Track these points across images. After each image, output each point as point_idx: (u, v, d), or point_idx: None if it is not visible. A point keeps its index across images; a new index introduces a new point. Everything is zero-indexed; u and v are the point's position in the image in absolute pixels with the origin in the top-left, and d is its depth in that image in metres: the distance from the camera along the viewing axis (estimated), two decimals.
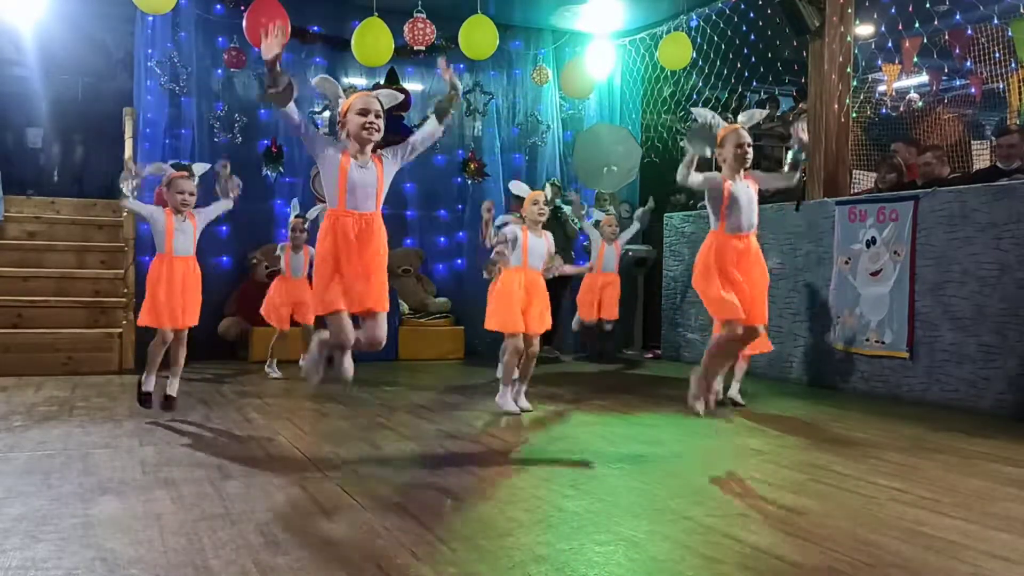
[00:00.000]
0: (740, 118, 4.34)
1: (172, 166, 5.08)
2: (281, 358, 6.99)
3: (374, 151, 3.65)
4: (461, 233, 9.45)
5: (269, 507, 3.15)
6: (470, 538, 2.84)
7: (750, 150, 4.28)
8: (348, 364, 3.63)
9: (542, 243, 5.39)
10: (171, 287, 4.90)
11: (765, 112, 4.70)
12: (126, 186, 4.89)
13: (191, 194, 4.98)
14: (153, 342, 4.97)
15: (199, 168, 5.12)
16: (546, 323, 5.38)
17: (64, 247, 7.91)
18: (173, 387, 5.07)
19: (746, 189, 4.32)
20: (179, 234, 4.96)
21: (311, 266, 6.25)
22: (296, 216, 6.90)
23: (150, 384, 5.00)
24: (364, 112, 3.50)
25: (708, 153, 4.31)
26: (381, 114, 3.53)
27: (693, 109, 4.54)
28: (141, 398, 5.01)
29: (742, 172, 4.33)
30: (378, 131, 3.51)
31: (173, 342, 5.00)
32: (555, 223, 8.51)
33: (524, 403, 5.43)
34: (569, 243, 8.59)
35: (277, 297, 6.85)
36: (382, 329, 3.66)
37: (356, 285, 3.60)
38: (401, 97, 3.67)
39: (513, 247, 5.33)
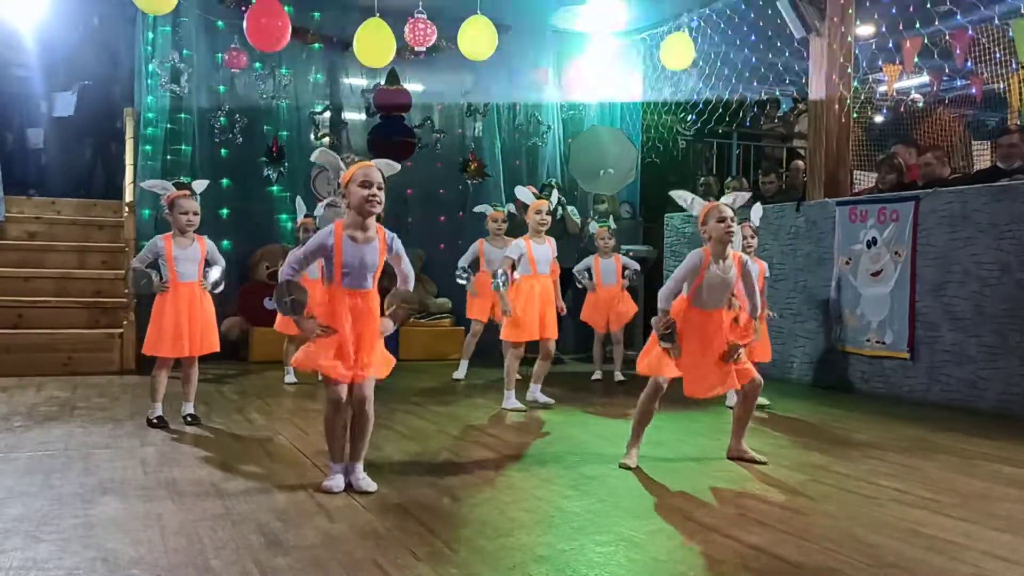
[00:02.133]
0: (724, 199, 4.12)
1: (173, 184, 4.84)
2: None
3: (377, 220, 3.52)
4: (461, 234, 9.45)
5: (270, 507, 3.15)
6: (471, 538, 2.85)
7: (734, 225, 4.00)
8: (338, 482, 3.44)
9: (546, 249, 5.62)
10: (177, 314, 4.71)
11: (748, 195, 4.51)
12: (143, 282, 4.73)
13: (195, 213, 4.74)
14: (153, 372, 4.79)
15: (199, 185, 4.90)
16: (555, 330, 5.64)
17: (65, 247, 7.90)
18: (189, 407, 4.92)
19: (724, 275, 3.99)
20: (182, 260, 4.75)
21: (323, 269, 6.28)
22: (305, 216, 6.82)
23: (158, 411, 4.79)
24: (367, 184, 3.38)
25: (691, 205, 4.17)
26: (383, 186, 3.43)
27: (672, 193, 4.35)
28: (155, 421, 4.77)
29: (728, 251, 4.03)
30: (380, 203, 3.40)
31: (185, 365, 4.85)
32: (556, 223, 8.51)
33: (543, 397, 5.66)
34: (571, 242, 8.57)
35: None
36: (368, 388, 3.48)
37: (350, 355, 3.44)
38: (398, 167, 3.60)
39: (519, 262, 5.54)
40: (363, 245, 3.40)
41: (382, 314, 3.52)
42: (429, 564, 2.57)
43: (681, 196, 4.22)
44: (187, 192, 4.77)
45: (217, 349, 4.96)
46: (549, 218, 5.63)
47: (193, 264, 4.80)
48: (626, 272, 7.12)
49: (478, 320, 7.05)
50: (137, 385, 6.34)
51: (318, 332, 3.39)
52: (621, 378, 7.01)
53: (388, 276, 3.58)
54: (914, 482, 3.74)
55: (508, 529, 2.95)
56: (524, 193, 5.72)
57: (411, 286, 3.61)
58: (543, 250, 5.60)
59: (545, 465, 3.96)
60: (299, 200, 7.13)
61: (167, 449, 4.18)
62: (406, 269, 3.59)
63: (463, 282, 7.01)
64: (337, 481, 3.41)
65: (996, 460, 4.23)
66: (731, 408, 5.48)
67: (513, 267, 5.58)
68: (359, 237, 3.40)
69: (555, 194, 5.96)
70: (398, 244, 3.54)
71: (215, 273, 4.95)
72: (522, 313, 5.51)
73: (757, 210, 5.25)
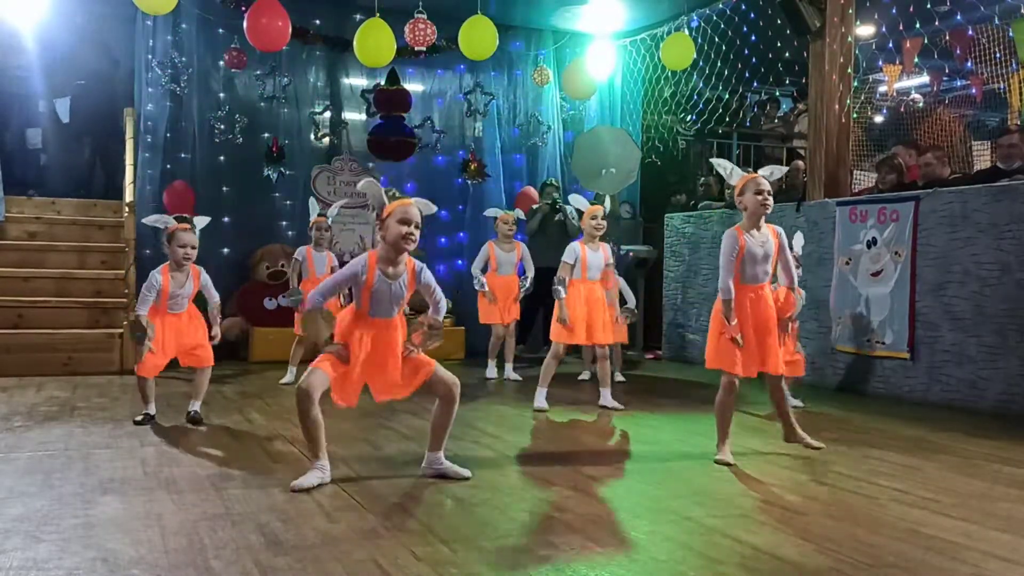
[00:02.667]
0: (762, 172, 4.15)
1: (175, 219, 4.88)
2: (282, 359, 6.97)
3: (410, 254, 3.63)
4: (462, 233, 9.45)
5: (270, 507, 3.15)
6: (471, 539, 2.85)
7: (771, 199, 4.07)
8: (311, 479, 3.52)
9: (600, 256, 5.65)
10: (162, 341, 4.78)
11: (786, 169, 4.53)
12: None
13: (193, 247, 4.78)
14: (138, 379, 4.87)
15: (200, 221, 4.95)
16: (611, 334, 5.72)
17: (65, 247, 7.91)
18: (196, 406, 4.97)
19: (763, 244, 4.09)
20: (175, 295, 4.79)
21: (333, 269, 6.37)
22: (319, 215, 6.81)
23: (147, 410, 4.87)
24: (406, 222, 3.46)
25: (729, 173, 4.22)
26: (420, 225, 3.53)
27: (713, 161, 4.41)
28: (137, 422, 4.83)
29: (762, 222, 4.12)
30: (415, 242, 3.50)
31: (197, 372, 4.95)
32: (555, 224, 8.51)
33: (612, 402, 5.64)
34: (568, 242, 8.57)
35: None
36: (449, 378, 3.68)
37: (370, 379, 3.60)
38: (434, 209, 3.69)
39: (575, 266, 5.59)
40: (393, 281, 3.51)
41: (407, 337, 3.62)
42: (429, 564, 2.57)
43: (721, 164, 4.27)
44: (187, 226, 4.81)
45: (207, 365, 4.97)
46: (605, 223, 5.67)
47: (185, 299, 4.87)
48: (622, 309, 6.99)
49: (498, 324, 7.11)
50: (136, 386, 6.34)
51: (342, 356, 3.49)
52: (621, 378, 7.01)
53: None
54: (914, 482, 3.74)
55: (508, 529, 2.95)
56: (579, 200, 5.75)
57: (442, 314, 3.71)
58: (597, 256, 5.63)
59: (545, 465, 3.96)
60: (312, 200, 7.16)
61: (167, 449, 4.18)
62: (438, 297, 3.69)
63: (480, 288, 7.07)
64: (311, 478, 3.46)
65: (996, 460, 4.24)
66: (797, 407, 5.48)
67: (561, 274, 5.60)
68: (390, 272, 3.51)
69: (608, 201, 5.99)
70: (427, 275, 3.65)
71: (213, 312, 5.05)
72: (570, 317, 5.53)
73: (771, 170, 5.19)
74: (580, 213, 5.73)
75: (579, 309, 5.55)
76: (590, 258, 5.61)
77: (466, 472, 3.65)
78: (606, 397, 5.68)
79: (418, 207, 3.55)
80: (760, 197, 4.04)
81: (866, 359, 6.54)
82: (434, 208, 3.69)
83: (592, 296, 5.63)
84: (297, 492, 3.35)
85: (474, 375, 7.03)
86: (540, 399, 5.57)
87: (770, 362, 4.09)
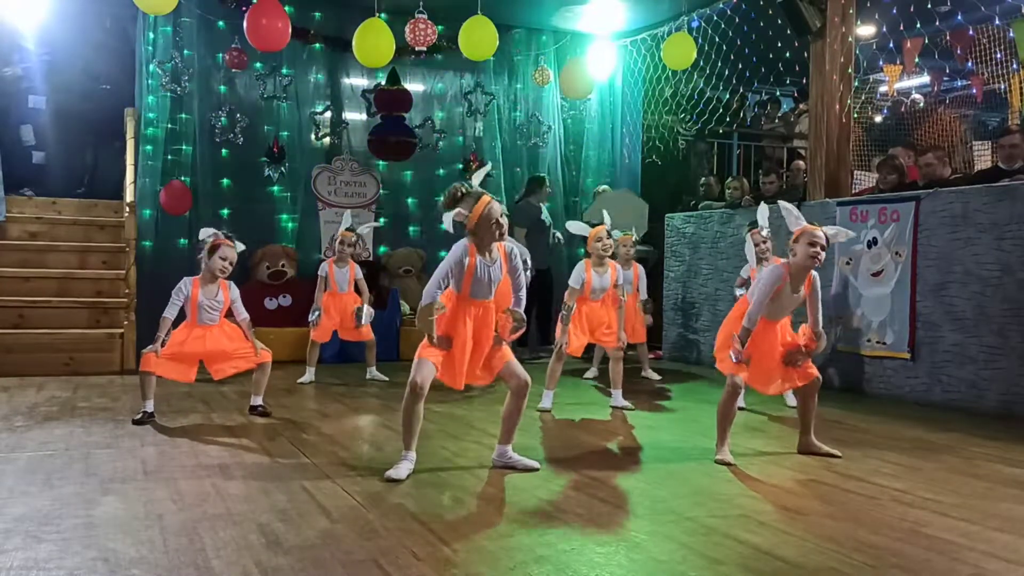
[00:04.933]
0: (828, 231, 4.09)
1: (223, 234, 5.07)
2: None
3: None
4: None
5: (270, 507, 3.16)
6: (471, 538, 2.85)
7: (823, 254, 4.03)
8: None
9: (607, 277, 5.64)
10: (190, 350, 4.90)
11: (852, 234, 4.46)
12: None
13: (232, 264, 4.98)
14: (140, 373, 4.90)
15: (240, 246, 5.15)
16: (618, 338, 5.67)
17: (66, 247, 7.91)
18: (258, 400, 5.16)
19: (796, 293, 4.12)
20: (206, 307, 4.93)
21: (356, 282, 6.65)
22: (347, 229, 6.78)
23: (146, 407, 4.90)
24: (496, 216, 3.74)
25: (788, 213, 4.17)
26: (507, 214, 3.81)
27: (781, 203, 4.34)
28: (136, 421, 4.84)
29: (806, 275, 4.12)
30: (505, 228, 3.76)
31: (256, 371, 5.10)
32: (540, 230, 8.48)
33: (622, 402, 5.65)
34: (543, 241, 8.53)
35: (325, 313, 6.68)
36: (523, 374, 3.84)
37: (464, 364, 3.79)
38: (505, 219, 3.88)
39: (581, 287, 5.58)
40: (490, 265, 3.78)
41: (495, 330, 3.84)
42: (429, 564, 2.57)
43: (787, 208, 4.21)
44: (231, 243, 5.01)
45: (265, 360, 5.12)
46: (612, 242, 5.65)
47: (216, 312, 5.01)
48: (646, 305, 7.00)
49: None
50: (138, 385, 6.33)
51: (444, 344, 3.72)
52: (655, 376, 7.14)
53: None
54: (915, 482, 3.74)
55: (509, 529, 2.95)
56: (578, 227, 5.72)
57: (523, 305, 3.93)
58: (603, 279, 5.61)
59: (546, 465, 3.96)
60: (347, 214, 7.20)
61: (168, 449, 4.18)
62: (520, 283, 3.93)
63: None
64: (402, 469, 3.63)
65: (997, 461, 4.23)
66: (792, 407, 5.50)
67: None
68: (488, 259, 3.78)
69: (607, 218, 6.00)
70: (517, 260, 3.91)
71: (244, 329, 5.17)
72: (571, 340, 5.55)
73: (763, 211, 5.20)
74: (580, 237, 5.74)
75: (577, 327, 5.58)
76: (595, 281, 5.59)
77: (535, 464, 3.87)
78: (617, 398, 5.67)
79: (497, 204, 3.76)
80: (812, 250, 4.03)
81: (867, 359, 6.54)
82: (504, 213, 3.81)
83: (592, 312, 5.65)
84: (390, 482, 3.53)
85: None
86: (547, 400, 5.57)
87: (789, 382, 4.24)
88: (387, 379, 6.79)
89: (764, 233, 5.50)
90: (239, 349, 5.05)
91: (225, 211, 8.43)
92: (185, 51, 8.32)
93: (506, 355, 3.84)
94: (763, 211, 5.17)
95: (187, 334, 4.94)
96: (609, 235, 5.66)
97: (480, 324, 3.80)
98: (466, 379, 3.83)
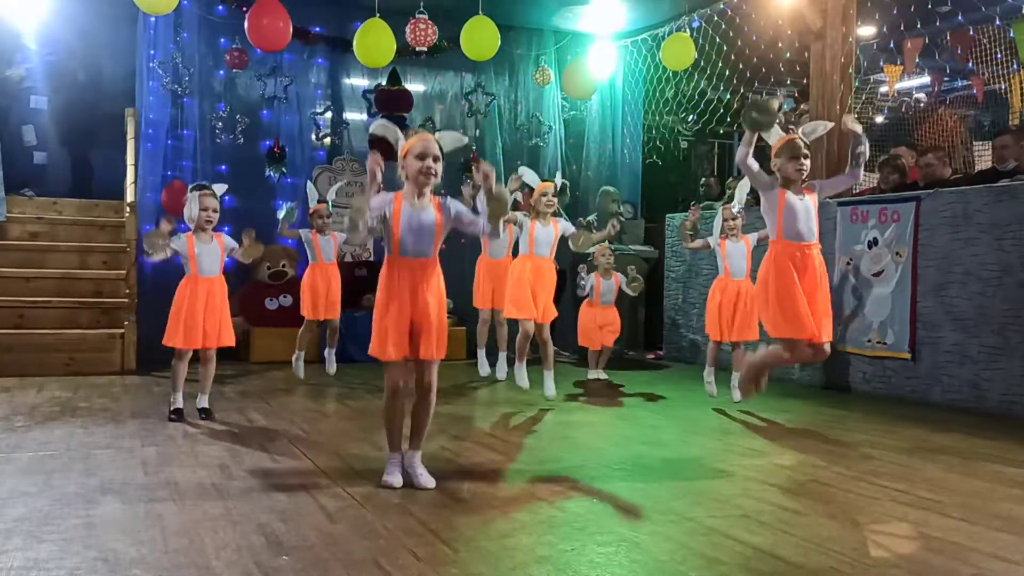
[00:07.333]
0: (803, 129, 4.13)
1: (193, 188, 5.04)
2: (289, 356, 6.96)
3: (434, 194, 3.52)
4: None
5: (271, 508, 3.15)
6: (471, 538, 2.85)
7: (807, 163, 4.05)
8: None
9: (550, 231, 5.59)
10: (193, 307, 4.89)
11: (831, 125, 4.42)
12: (159, 254, 4.83)
13: (214, 211, 4.96)
14: (173, 362, 4.95)
15: (219, 188, 5.11)
16: (551, 314, 5.63)
17: (66, 248, 7.91)
18: (204, 400, 5.06)
19: (802, 200, 4.13)
20: (203, 256, 4.95)
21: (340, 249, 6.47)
22: (319, 202, 6.74)
23: (179, 401, 4.95)
24: (422, 156, 3.40)
25: (768, 133, 4.07)
26: (439, 158, 3.44)
27: (809, 124, 4.33)
28: (172, 415, 4.92)
29: (800, 185, 4.15)
30: (435, 176, 3.42)
31: (203, 357, 4.99)
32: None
33: (551, 391, 5.66)
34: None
35: (310, 287, 6.61)
36: (434, 373, 3.57)
37: (411, 331, 3.46)
38: (465, 140, 3.59)
39: (520, 230, 5.57)
40: (420, 212, 3.42)
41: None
42: (429, 564, 2.57)
43: (775, 133, 4.18)
44: (207, 191, 4.98)
45: (232, 344, 5.11)
46: (555, 200, 5.62)
47: (214, 260, 5.02)
48: (630, 281, 6.93)
49: (482, 308, 6.81)
50: (138, 386, 6.36)
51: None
52: (604, 376, 7.00)
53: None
54: (915, 482, 3.73)
55: (509, 529, 2.95)
56: (530, 174, 5.72)
57: (494, 224, 3.48)
58: (546, 232, 5.58)
59: (546, 465, 3.96)
60: (310, 186, 7.08)
61: (168, 449, 4.18)
62: (478, 211, 3.51)
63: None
64: (395, 477, 3.50)
65: (997, 461, 4.23)
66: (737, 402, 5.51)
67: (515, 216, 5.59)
68: (416, 204, 3.43)
69: (558, 178, 5.93)
70: (455, 204, 3.52)
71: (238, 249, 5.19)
72: (514, 289, 5.52)
73: (742, 188, 5.15)
74: (531, 189, 5.71)
75: (526, 281, 5.53)
76: (538, 232, 5.56)
77: (431, 482, 3.52)
78: (548, 383, 5.66)
79: (441, 141, 3.47)
80: (795, 163, 4.00)
81: (867, 359, 6.53)
82: (465, 140, 3.61)
83: (539, 272, 5.58)
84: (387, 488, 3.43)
85: (475, 375, 7.01)
86: (518, 374, 5.71)
87: (821, 329, 4.13)
88: (334, 372, 6.72)
89: (735, 210, 5.51)
90: (224, 322, 5.04)
91: (225, 211, 8.40)
92: (185, 51, 8.32)
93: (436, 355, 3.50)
94: (742, 188, 5.13)
95: (191, 288, 4.94)
96: (555, 193, 5.59)
97: (420, 287, 3.42)
98: (425, 351, 3.49)
